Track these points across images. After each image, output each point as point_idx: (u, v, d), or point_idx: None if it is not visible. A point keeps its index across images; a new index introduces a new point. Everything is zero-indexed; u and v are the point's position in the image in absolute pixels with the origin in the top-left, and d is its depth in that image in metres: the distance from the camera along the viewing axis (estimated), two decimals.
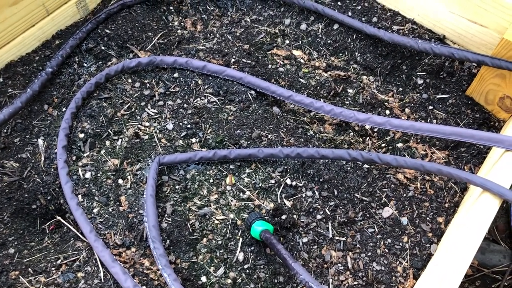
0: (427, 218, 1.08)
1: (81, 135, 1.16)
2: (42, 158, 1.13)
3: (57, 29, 1.34)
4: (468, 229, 0.82)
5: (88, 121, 1.18)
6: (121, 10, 1.38)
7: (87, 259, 1.00)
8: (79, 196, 1.08)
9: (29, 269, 0.98)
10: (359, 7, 1.35)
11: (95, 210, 1.06)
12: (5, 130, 1.17)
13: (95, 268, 0.98)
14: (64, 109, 1.21)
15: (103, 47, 1.31)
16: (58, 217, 1.06)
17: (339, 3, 1.37)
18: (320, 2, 1.37)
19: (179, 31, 1.39)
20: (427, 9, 1.26)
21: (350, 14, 1.35)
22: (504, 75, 1.14)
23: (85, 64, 1.29)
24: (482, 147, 1.17)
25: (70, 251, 1.01)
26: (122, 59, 1.30)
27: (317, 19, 1.38)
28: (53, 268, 0.98)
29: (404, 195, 1.11)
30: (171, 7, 1.43)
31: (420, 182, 1.13)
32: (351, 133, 1.22)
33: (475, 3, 1.15)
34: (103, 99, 1.22)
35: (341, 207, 1.09)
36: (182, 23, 1.41)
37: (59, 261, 0.99)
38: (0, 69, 1.24)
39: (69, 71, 1.27)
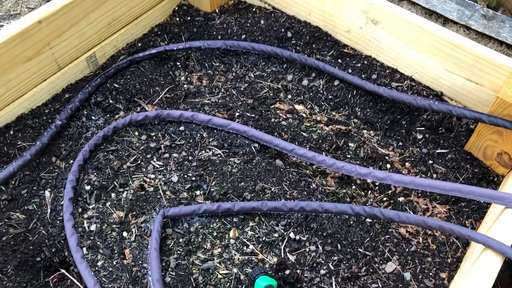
0: (430, 274, 1.08)
1: (87, 187, 1.18)
2: (49, 210, 1.15)
3: (67, 83, 1.39)
4: (472, 285, 0.82)
5: (95, 173, 1.20)
6: (130, 65, 1.43)
7: None
8: (84, 249, 1.08)
9: None
10: (359, 65, 1.40)
11: (99, 263, 1.07)
12: (13, 182, 1.19)
13: None
14: (71, 161, 1.23)
15: (111, 101, 1.35)
16: (62, 270, 1.06)
17: (339, 60, 1.42)
18: (321, 60, 1.43)
19: (185, 85, 1.43)
20: (424, 67, 1.31)
21: (350, 71, 1.40)
22: (501, 131, 1.17)
23: (93, 117, 1.33)
24: (482, 202, 1.18)
25: None
26: (129, 113, 1.34)
27: (318, 76, 1.43)
28: None
29: (407, 249, 1.12)
30: (178, 63, 1.49)
31: (422, 236, 1.14)
32: (353, 187, 1.24)
33: (470, 63, 1.20)
34: (110, 152, 1.25)
35: (344, 262, 1.09)
36: (189, 78, 1.46)
37: None
38: (11, 121, 1.28)
39: (77, 123, 1.31)
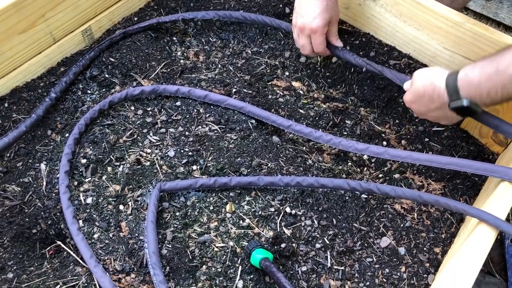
0: (424, 249, 1.09)
1: (83, 161, 1.17)
2: (44, 183, 1.14)
3: (63, 57, 1.37)
4: (465, 260, 0.83)
5: (91, 147, 1.20)
6: (123, 38, 1.42)
7: (86, 284, 1.00)
8: (80, 221, 1.08)
9: None
10: (357, 42, 1.39)
11: (95, 236, 1.07)
12: (8, 155, 1.18)
13: None
14: (67, 134, 1.22)
15: (107, 75, 1.34)
16: (59, 242, 1.06)
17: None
18: None
19: (182, 61, 1.42)
20: (422, 44, 1.30)
21: (348, 48, 1.39)
22: (498, 110, 1.17)
23: (88, 91, 1.32)
24: (477, 179, 1.19)
25: (70, 276, 1.01)
26: (125, 87, 1.33)
27: None
28: None
29: (402, 225, 1.13)
30: (174, 38, 1.47)
31: (417, 212, 1.15)
32: (349, 163, 1.24)
33: (469, 41, 1.20)
34: (106, 126, 1.24)
35: (339, 236, 1.10)
36: (185, 54, 1.45)
37: (58, 286, 0.99)
38: (5, 94, 1.26)
39: (73, 97, 1.30)
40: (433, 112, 1.02)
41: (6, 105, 1.25)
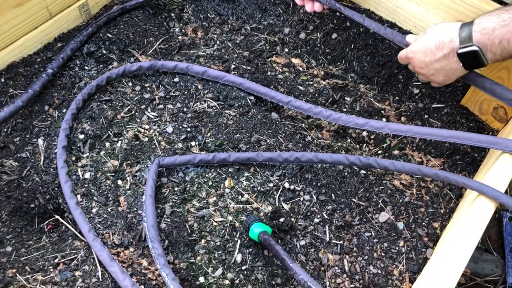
0: (423, 223, 1.09)
1: (81, 136, 1.17)
2: (42, 158, 1.14)
3: (59, 32, 1.35)
4: (464, 232, 0.83)
5: (89, 123, 1.19)
6: (121, 14, 1.40)
7: (85, 258, 1.00)
8: (78, 196, 1.08)
9: (27, 267, 0.98)
10: None
11: (94, 210, 1.07)
12: (5, 130, 1.17)
13: (93, 267, 0.98)
14: (64, 110, 1.21)
15: (104, 51, 1.32)
16: (57, 216, 1.06)
17: (337, 13, 1.40)
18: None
19: (180, 37, 1.41)
20: (423, 20, 1.29)
21: (348, 24, 1.38)
22: (503, 78, 1.16)
23: (86, 67, 1.31)
24: (476, 155, 1.19)
25: (68, 250, 1.01)
26: (123, 63, 1.31)
27: (316, 29, 1.40)
28: (50, 267, 0.98)
29: (400, 200, 1.13)
30: (172, 14, 1.45)
31: (416, 188, 1.15)
32: (349, 140, 1.23)
33: (470, 16, 1.18)
34: (104, 102, 1.23)
35: (338, 211, 1.10)
36: (183, 30, 1.43)
37: (56, 260, 0.99)
38: (1, 69, 1.25)
39: (70, 73, 1.28)
40: (437, 63, 1.01)
41: (2, 80, 1.23)
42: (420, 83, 1.30)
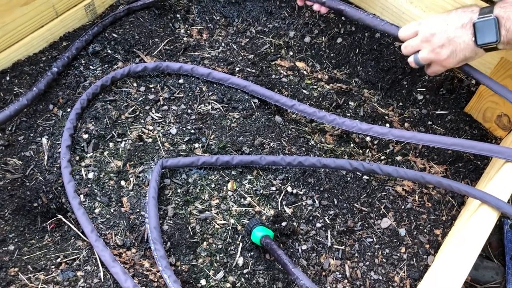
0: (425, 230, 1.09)
1: (85, 136, 1.17)
2: (46, 157, 1.14)
3: (65, 31, 1.36)
4: (466, 240, 0.83)
5: (93, 123, 1.19)
6: (127, 15, 1.40)
7: (87, 258, 1.00)
8: (81, 196, 1.08)
9: (29, 266, 0.98)
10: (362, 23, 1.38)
11: (96, 210, 1.07)
12: (9, 128, 1.17)
13: (95, 267, 0.98)
14: (69, 109, 1.22)
15: (109, 51, 1.33)
16: (60, 216, 1.06)
17: (343, 18, 1.40)
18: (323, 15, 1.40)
19: (185, 38, 1.41)
20: None
21: (353, 29, 1.38)
22: None
23: (91, 67, 1.31)
24: (479, 163, 1.19)
25: (70, 250, 1.01)
26: (128, 63, 1.32)
27: (321, 33, 1.41)
28: (52, 266, 0.98)
29: (403, 207, 1.13)
30: (178, 15, 1.46)
31: (418, 195, 1.15)
32: (352, 145, 1.24)
33: None
34: (108, 102, 1.23)
35: (340, 216, 1.10)
36: (188, 31, 1.43)
37: (59, 260, 0.99)
38: (7, 67, 1.25)
39: (75, 72, 1.29)
40: (451, 30, 0.97)
41: (7, 78, 1.24)
42: (424, 89, 1.30)
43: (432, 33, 1.00)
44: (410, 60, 1.08)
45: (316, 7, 1.23)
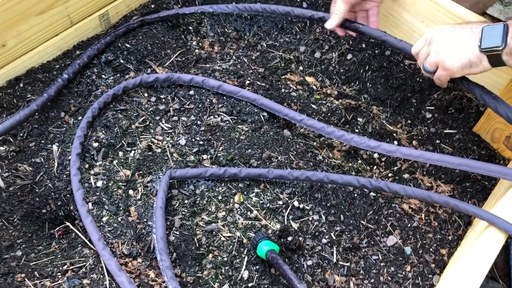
0: (431, 249, 1.09)
1: (95, 144, 1.18)
2: (56, 164, 1.15)
3: (79, 40, 1.38)
4: (472, 262, 0.83)
5: (103, 131, 1.20)
6: (140, 26, 1.42)
7: (93, 266, 1.01)
8: (90, 204, 1.09)
9: (35, 273, 0.99)
10: (373, 39, 1.39)
11: (104, 219, 1.08)
12: (21, 134, 1.19)
13: (101, 276, 0.99)
14: (80, 117, 1.23)
15: (122, 61, 1.34)
16: (67, 223, 1.07)
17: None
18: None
19: (196, 50, 1.42)
20: None
21: (364, 46, 1.39)
22: None
23: (103, 76, 1.33)
24: (486, 183, 1.19)
25: (77, 257, 1.02)
26: (140, 74, 1.33)
27: (331, 49, 1.42)
28: (59, 273, 0.99)
29: (409, 225, 1.13)
30: (190, 27, 1.47)
31: (424, 213, 1.15)
32: (359, 161, 1.24)
33: None
34: (119, 111, 1.25)
35: (346, 233, 1.10)
36: (200, 43, 1.45)
37: (65, 267, 1.00)
38: (21, 74, 1.27)
39: (87, 81, 1.30)
40: (461, 29, 0.96)
41: (21, 85, 1.25)
42: (433, 108, 1.31)
43: (442, 29, 0.99)
44: (422, 71, 1.07)
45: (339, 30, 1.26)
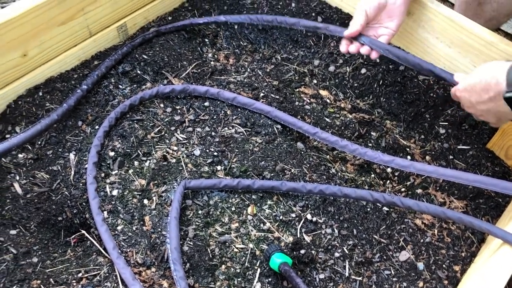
0: (443, 266, 1.09)
1: (111, 153, 1.20)
2: (72, 172, 1.17)
3: (97, 51, 1.40)
4: (487, 280, 0.83)
5: (119, 141, 1.22)
6: (156, 36, 1.45)
7: (107, 274, 1.02)
8: (105, 213, 1.11)
9: (51, 280, 1.00)
10: None
11: (119, 228, 1.09)
12: (39, 142, 1.21)
13: (115, 284, 1.00)
14: (97, 126, 1.25)
15: (139, 71, 1.37)
16: (83, 231, 1.09)
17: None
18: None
19: (212, 62, 1.44)
20: (453, 62, 1.30)
21: (378, 60, 1.40)
22: None
23: (120, 86, 1.35)
24: (500, 200, 1.19)
25: (92, 265, 1.03)
26: (156, 84, 1.35)
27: (346, 63, 1.43)
28: (73, 281, 1.00)
29: (422, 240, 1.13)
30: (206, 40, 1.50)
31: (437, 229, 1.15)
32: (372, 175, 1.24)
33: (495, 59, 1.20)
34: (135, 121, 1.27)
35: (359, 247, 1.10)
36: (216, 56, 1.47)
37: (80, 274, 1.01)
38: (40, 83, 1.30)
39: (104, 91, 1.32)
40: (484, 104, 0.97)
41: (40, 93, 1.28)
42: (447, 123, 1.31)
43: (468, 106, 1.04)
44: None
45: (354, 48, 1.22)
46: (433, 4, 1.27)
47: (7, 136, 1.20)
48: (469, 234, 1.14)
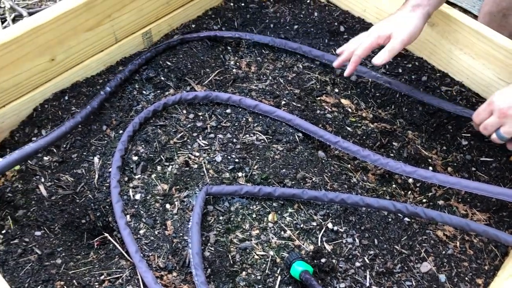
0: (466, 278, 1.08)
1: (135, 158, 1.21)
2: (96, 176, 1.18)
3: (122, 56, 1.42)
4: None
5: (143, 145, 1.24)
6: (180, 44, 1.47)
7: (129, 278, 1.03)
8: (128, 216, 1.12)
9: (74, 281, 1.01)
10: (410, 65, 1.40)
11: (141, 231, 1.10)
12: (64, 145, 1.23)
13: None
14: (121, 131, 1.27)
15: (162, 78, 1.38)
16: (106, 234, 1.10)
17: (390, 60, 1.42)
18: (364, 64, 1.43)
19: (234, 70, 1.46)
20: (476, 73, 1.30)
21: (400, 70, 1.40)
22: None
23: (144, 92, 1.37)
24: None
25: (114, 268, 1.04)
26: (179, 91, 1.37)
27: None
28: (96, 283, 1.01)
29: (443, 252, 1.12)
30: (228, 47, 1.51)
31: (459, 241, 1.14)
32: (394, 185, 1.24)
33: None
34: (159, 126, 1.28)
35: (380, 257, 1.10)
36: (238, 63, 1.48)
37: (102, 277, 1.02)
38: (66, 87, 1.32)
39: (129, 97, 1.34)
40: None
41: (66, 98, 1.30)
42: (469, 134, 1.30)
43: (509, 106, 1.00)
44: (494, 137, 1.08)
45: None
46: (457, 15, 1.27)
47: (33, 138, 1.23)
48: (492, 247, 1.13)
